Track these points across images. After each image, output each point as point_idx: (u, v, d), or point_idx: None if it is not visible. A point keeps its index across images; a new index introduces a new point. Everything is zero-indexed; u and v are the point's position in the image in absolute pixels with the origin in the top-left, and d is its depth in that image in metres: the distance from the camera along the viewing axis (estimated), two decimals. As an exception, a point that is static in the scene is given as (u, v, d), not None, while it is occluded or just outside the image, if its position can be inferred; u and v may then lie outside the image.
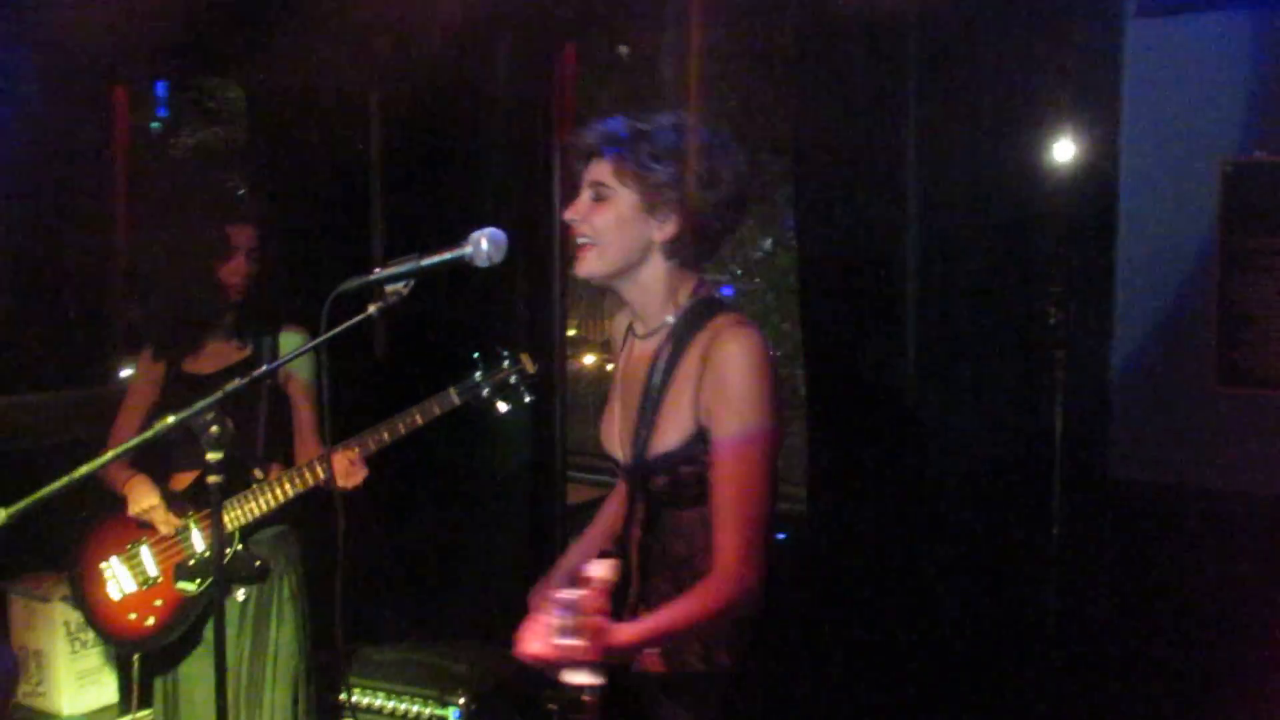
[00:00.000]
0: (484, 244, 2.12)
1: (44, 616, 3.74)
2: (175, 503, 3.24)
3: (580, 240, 2.20)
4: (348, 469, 3.15)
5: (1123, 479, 3.20)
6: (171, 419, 2.14)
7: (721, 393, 2.08)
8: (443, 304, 4.00)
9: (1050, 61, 3.18)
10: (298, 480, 3.20)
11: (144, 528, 3.24)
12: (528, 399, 3.13)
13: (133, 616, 3.22)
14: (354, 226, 4.64)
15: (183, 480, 3.28)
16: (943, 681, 3.39)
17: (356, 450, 3.16)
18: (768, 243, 7.99)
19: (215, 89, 9.03)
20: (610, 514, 2.51)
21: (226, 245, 3.25)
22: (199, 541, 3.21)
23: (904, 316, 3.38)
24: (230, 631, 3.24)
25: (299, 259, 3.79)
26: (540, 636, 1.87)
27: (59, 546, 3.69)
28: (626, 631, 1.93)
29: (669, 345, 2.20)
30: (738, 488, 2.06)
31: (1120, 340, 3.19)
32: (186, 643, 3.24)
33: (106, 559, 3.26)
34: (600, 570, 1.86)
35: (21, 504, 2.04)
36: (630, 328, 2.36)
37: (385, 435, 3.17)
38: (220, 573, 2.28)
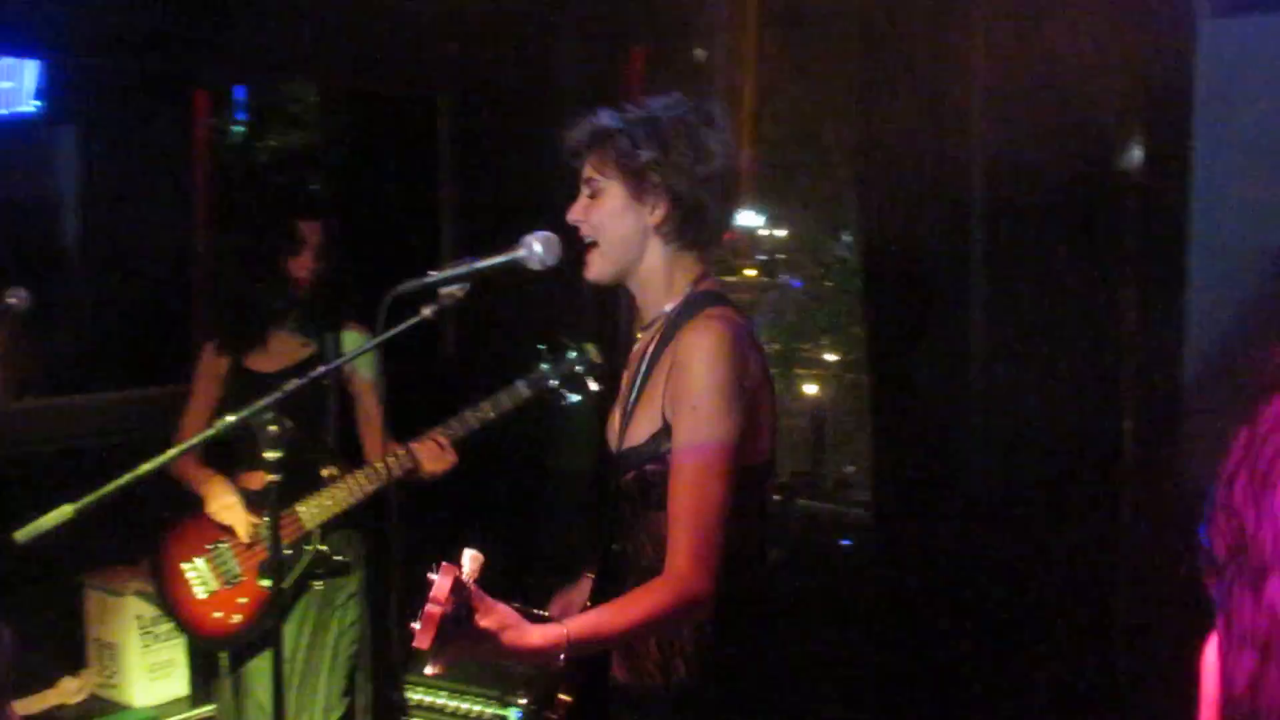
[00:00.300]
0: (537, 246, 2.11)
1: (117, 610, 3.81)
2: (253, 500, 3.27)
3: (586, 240, 2.16)
4: (437, 454, 3.17)
5: (1195, 483, 3.12)
6: (232, 417, 2.17)
7: (681, 388, 2.00)
8: (509, 302, 4.02)
9: (1121, 60, 3.12)
10: (377, 474, 3.22)
11: (225, 527, 3.28)
12: (595, 388, 3.10)
13: (218, 615, 3.27)
14: (422, 227, 4.68)
15: (259, 478, 3.27)
16: (1010, 689, 3.34)
17: (446, 436, 3.18)
18: (842, 246, 7.93)
19: (294, 93, 9.16)
20: None
21: (295, 240, 3.29)
22: (281, 539, 3.20)
23: (970, 319, 3.34)
24: (291, 625, 3.29)
25: (367, 259, 3.83)
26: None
27: (131, 541, 3.76)
28: (547, 633, 1.79)
29: (656, 340, 2.14)
30: (693, 488, 1.96)
31: (1193, 341, 3.12)
32: (270, 638, 3.25)
33: (189, 559, 3.29)
34: (464, 559, 1.73)
35: (88, 499, 2.08)
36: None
37: (457, 427, 3.19)
38: (277, 571, 2.31)
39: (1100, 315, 3.22)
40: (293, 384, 2.19)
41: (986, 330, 3.33)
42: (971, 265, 3.32)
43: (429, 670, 1.68)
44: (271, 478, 2.19)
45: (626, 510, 2.16)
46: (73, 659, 3.90)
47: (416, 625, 1.62)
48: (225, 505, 3.24)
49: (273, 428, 2.16)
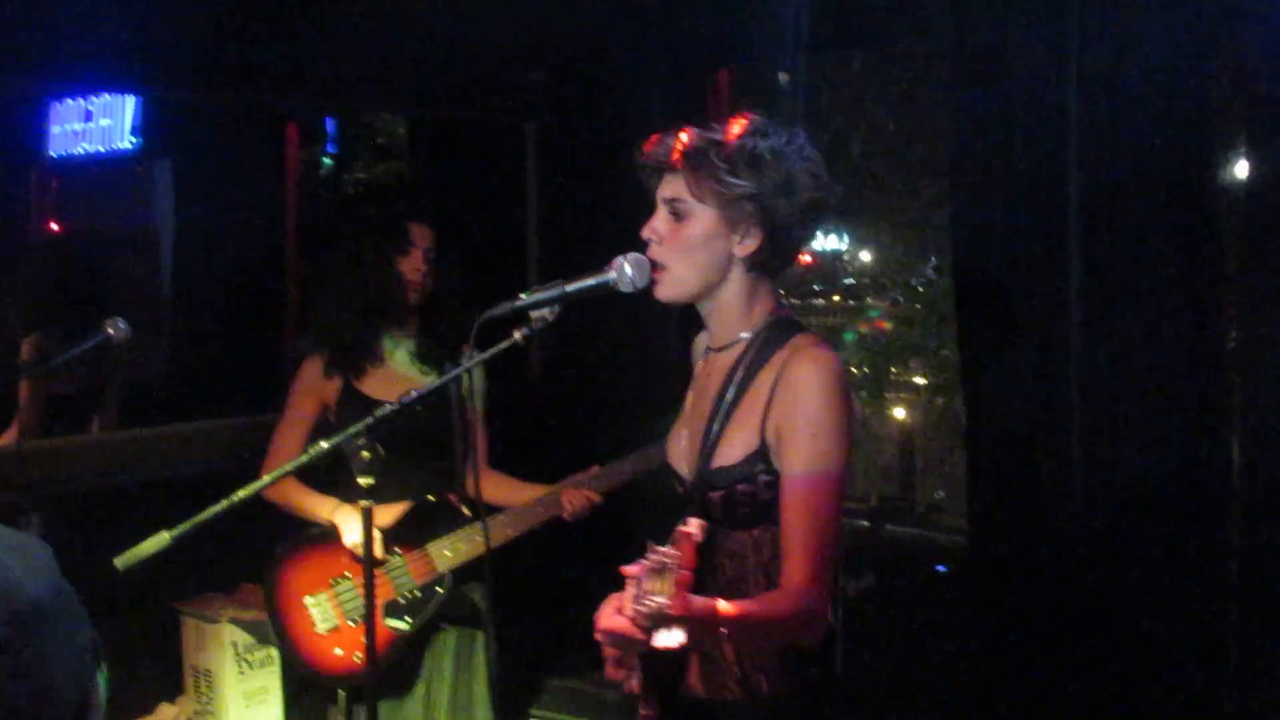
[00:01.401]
0: (628, 269, 2.10)
1: (213, 637, 3.85)
2: (386, 536, 3.17)
3: (656, 262, 2.13)
4: (586, 506, 3.15)
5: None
6: (325, 443, 2.18)
7: (796, 415, 2.03)
8: (597, 328, 4.02)
9: (1222, 69, 3.03)
10: (521, 518, 3.16)
11: (345, 560, 3.17)
12: None
13: (339, 652, 3.15)
14: (509, 254, 4.71)
15: (387, 514, 3.18)
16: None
17: (597, 494, 3.17)
18: (928, 268, 7.84)
19: (383, 124, 9.30)
20: None
21: (405, 239, 3.24)
22: (409, 579, 3.16)
23: (1068, 341, 3.25)
24: (427, 669, 3.26)
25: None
26: (616, 609, 1.80)
27: (227, 568, 3.81)
28: (701, 600, 1.78)
29: (745, 360, 2.13)
30: (810, 511, 2.01)
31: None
32: (389, 680, 3.20)
33: (311, 593, 3.19)
34: (691, 528, 1.78)
35: (183, 526, 2.10)
36: (706, 344, 2.30)
37: (607, 480, 3.19)
38: (371, 607, 2.29)
39: (1204, 336, 3.12)
40: (385, 409, 2.20)
41: (1084, 352, 3.24)
42: (1069, 285, 3.24)
43: (673, 640, 1.67)
44: (365, 503, 2.19)
45: (709, 529, 2.14)
46: (170, 686, 3.95)
47: (661, 598, 1.64)
48: (360, 544, 3.10)
49: (365, 454, 2.16)
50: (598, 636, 1.87)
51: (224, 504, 2.11)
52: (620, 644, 1.84)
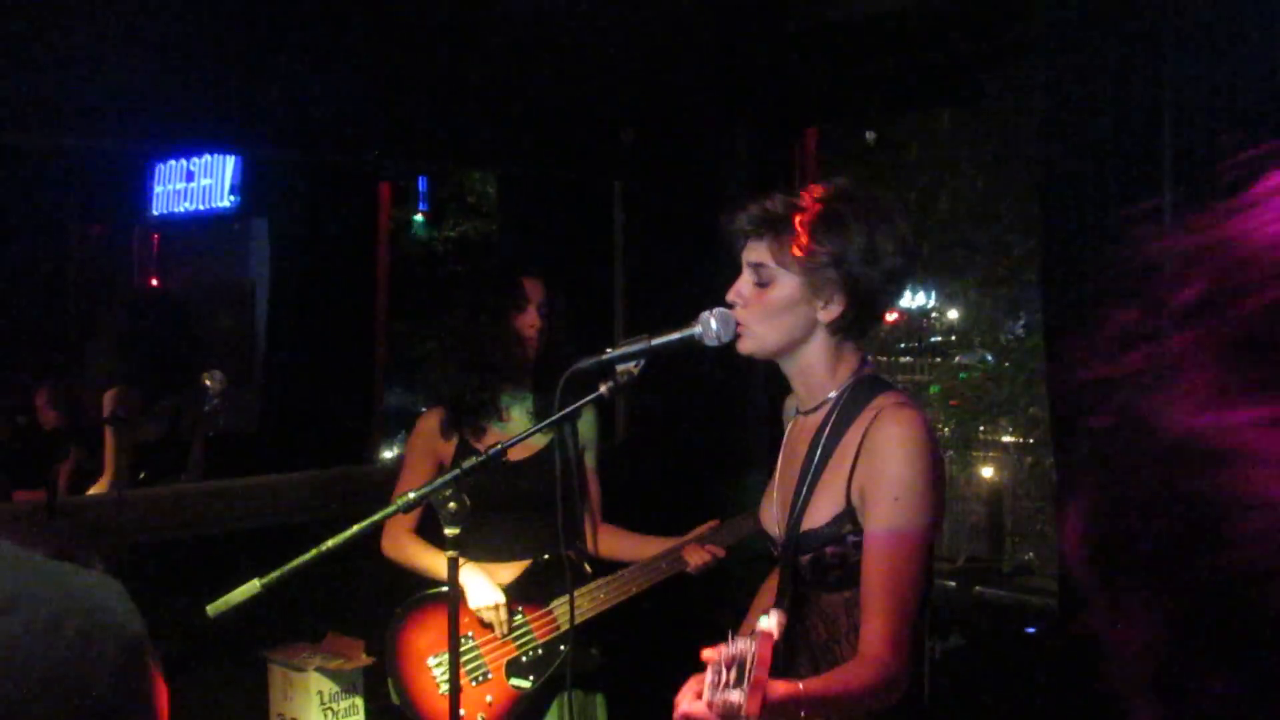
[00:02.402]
0: (714, 323, 2.11)
1: (300, 686, 3.88)
2: (510, 593, 3.15)
3: (740, 322, 2.13)
4: (708, 561, 3.10)
5: None
6: (412, 494, 2.20)
7: (879, 475, 2.00)
8: (679, 384, 4.03)
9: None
10: (645, 575, 3.13)
11: (468, 619, 3.11)
12: None
13: (462, 712, 3.06)
14: (597, 313, 4.74)
15: (507, 573, 3.18)
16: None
17: (723, 549, 3.13)
18: (1019, 326, 7.76)
19: (472, 184, 9.46)
20: (769, 592, 2.42)
21: (521, 294, 3.24)
22: (532, 637, 3.14)
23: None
24: None
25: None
26: (694, 694, 1.76)
27: (314, 618, 3.85)
28: (782, 687, 1.77)
29: (831, 421, 2.12)
30: (890, 574, 1.98)
31: None
32: None
33: (435, 653, 3.15)
34: (769, 622, 1.76)
35: (274, 574, 2.14)
36: (795, 406, 2.28)
37: (728, 536, 3.14)
38: (455, 652, 2.31)
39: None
40: (470, 462, 2.22)
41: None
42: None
43: None
44: (451, 553, 2.21)
45: (798, 591, 2.15)
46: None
47: (735, 695, 1.64)
48: (491, 606, 3.09)
49: (453, 505, 2.18)
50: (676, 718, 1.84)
51: (314, 553, 2.14)
52: None
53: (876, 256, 2.07)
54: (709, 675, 1.68)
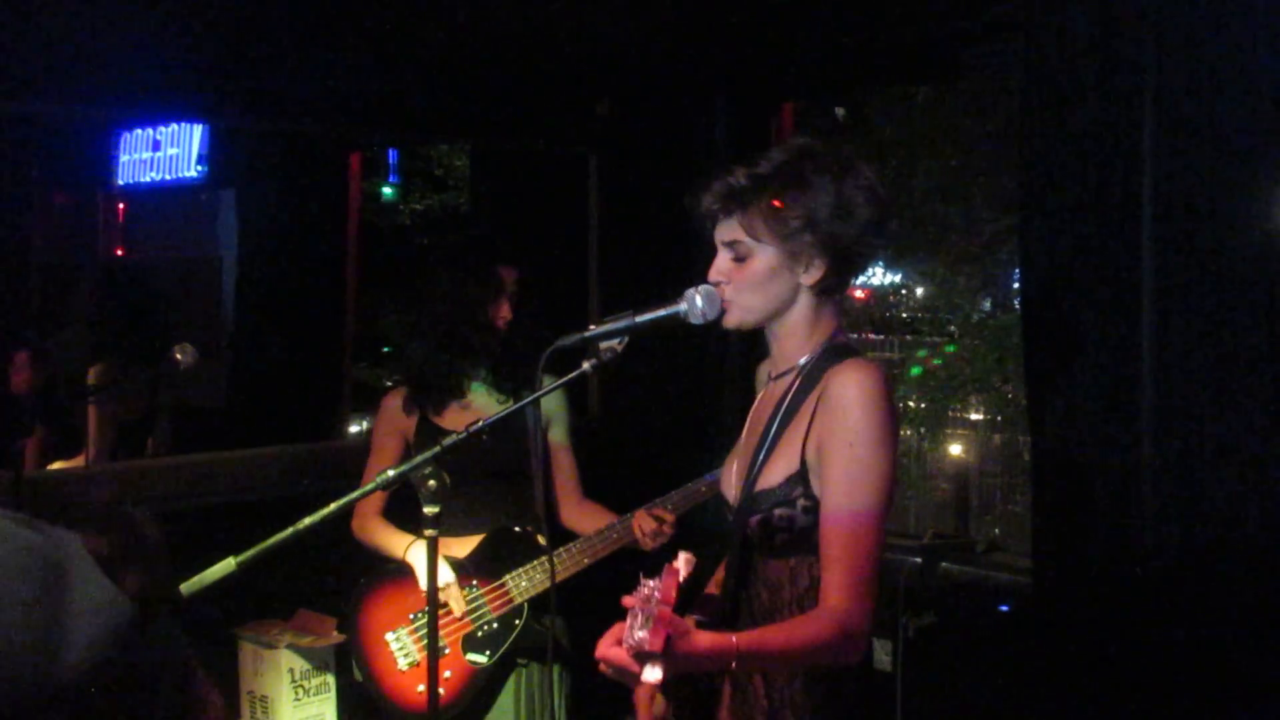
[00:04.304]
0: (698, 300, 2.08)
1: (270, 663, 3.85)
2: (459, 571, 3.17)
3: (726, 299, 2.11)
4: (660, 530, 3.11)
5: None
6: (390, 472, 2.17)
7: (835, 425, 1.97)
8: (655, 363, 4.01)
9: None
10: (593, 547, 3.14)
11: (423, 596, 3.12)
12: None
13: (421, 689, 3.10)
14: (571, 288, 4.71)
15: (462, 546, 3.20)
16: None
17: (672, 513, 3.13)
18: (987, 303, 7.79)
19: (441, 157, 9.39)
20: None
21: (499, 284, 3.26)
22: (487, 612, 3.14)
23: (1139, 377, 3.20)
24: (506, 703, 3.23)
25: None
26: (614, 639, 1.74)
27: (285, 594, 3.81)
28: (708, 638, 1.75)
29: (795, 386, 2.11)
30: (850, 526, 1.94)
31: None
32: (469, 715, 3.18)
33: (392, 629, 3.19)
34: (678, 563, 1.75)
35: (249, 553, 2.10)
36: (769, 373, 2.27)
37: (680, 502, 3.15)
38: (434, 633, 2.28)
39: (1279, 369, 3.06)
40: (451, 438, 2.19)
41: (1156, 387, 3.18)
42: (1140, 320, 3.18)
43: (654, 676, 1.66)
44: (430, 532, 2.18)
45: (745, 556, 2.14)
46: (227, 711, 3.95)
47: (640, 633, 1.62)
48: (441, 585, 3.05)
49: (432, 483, 2.15)
50: (601, 668, 1.80)
51: (289, 531, 2.11)
52: (619, 675, 1.76)
53: (847, 210, 2.04)
54: (628, 620, 1.67)
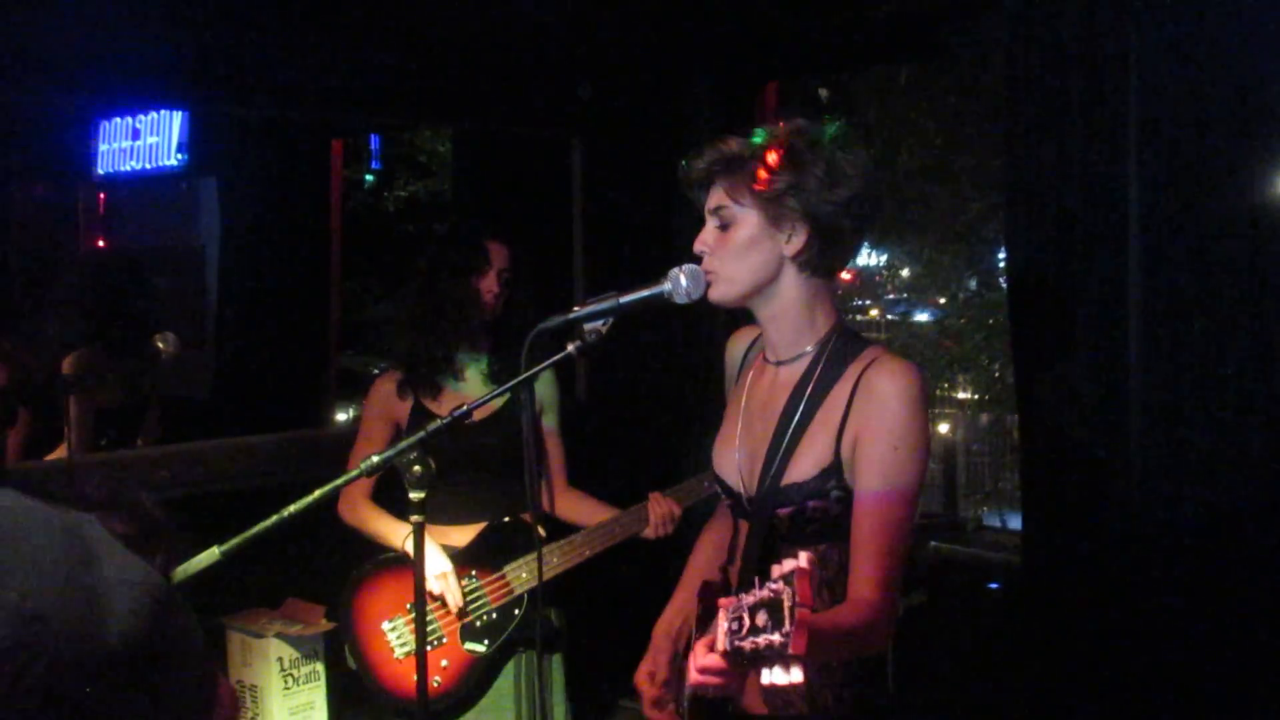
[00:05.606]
0: (683, 280, 2.07)
1: (259, 652, 3.83)
2: (460, 558, 3.15)
3: (708, 270, 2.10)
4: (668, 519, 3.11)
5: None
6: (376, 458, 2.15)
7: (879, 425, 2.00)
8: (641, 345, 4.00)
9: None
10: (597, 537, 3.13)
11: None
12: None
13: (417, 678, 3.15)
14: (555, 271, 4.69)
15: (462, 536, 3.19)
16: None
17: (679, 506, 3.12)
18: (973, 281, 7.78)
19: (424, 142, 9.35)
20: (713, 545, 2.41)
21: (484, 258, 3.23)
22: (486, 602, 3.13)
23: (1126, 354, 3.20)
24: (504, 690, 3.21)
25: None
26: (706, 648, 1.65)
27: (273, 583, 3.79)
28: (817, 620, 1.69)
29: (815, 375, 2.10)
30: (887, 522, 1.98)
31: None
32: (466, 703, 3.17)
33: (389, 618, 3.17)
34: (803, 562, 1.65)
35: (234, 541, 2.08)
36: (760, 352, 2.26)
37: (685, 495, 3.14)
38: (422, 621, 2.27)
39: (1265, 346, 3.06)
40: (435, 424, 2.17)
41: (1143, 364, 3.18)
42: (1127, 297, 3.18)
43: (796, 678, 1.56)
44: (417, 518, 2.16)
45: (768, 543, 2.13)
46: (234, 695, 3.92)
47: (776, 637, 1.54)
48: (438, 575, 3.08)
49: (417, 468, 2.13)
50: (697, 678, 1.70)
51: (275, 519, 2.09)
52: (723, 680, 1.68)
53: (835, 182, 2.04)
54: (724, 624, 1.61)
